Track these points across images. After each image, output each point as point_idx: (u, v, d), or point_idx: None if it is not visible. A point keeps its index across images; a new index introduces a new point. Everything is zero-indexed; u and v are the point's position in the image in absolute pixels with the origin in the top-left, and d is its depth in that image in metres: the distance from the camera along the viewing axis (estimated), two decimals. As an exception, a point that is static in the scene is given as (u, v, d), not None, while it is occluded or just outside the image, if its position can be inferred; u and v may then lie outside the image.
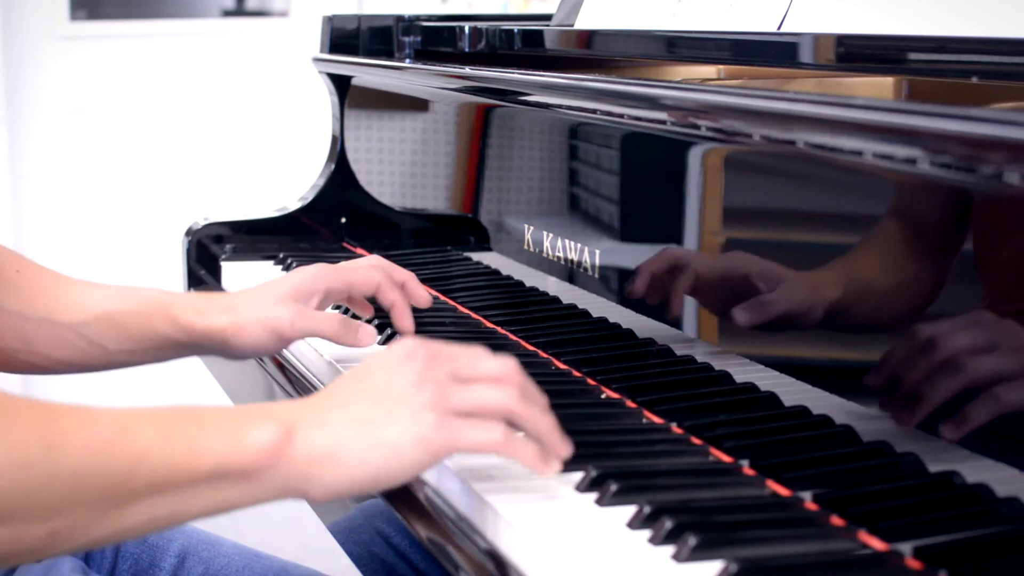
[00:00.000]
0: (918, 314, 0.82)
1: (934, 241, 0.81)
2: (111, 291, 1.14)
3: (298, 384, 1.21)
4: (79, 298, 1.12)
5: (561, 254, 1.24)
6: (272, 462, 0.76)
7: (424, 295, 1.18)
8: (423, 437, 0.79)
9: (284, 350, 1.29)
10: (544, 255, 1.28)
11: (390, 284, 1.16)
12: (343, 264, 1.17)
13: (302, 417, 0.79)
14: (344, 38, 1.78)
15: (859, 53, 0.99)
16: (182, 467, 0.75)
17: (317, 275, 1.14)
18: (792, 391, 0.93)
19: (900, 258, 0.85)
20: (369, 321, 1.23)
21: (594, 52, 1.32)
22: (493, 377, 0.83)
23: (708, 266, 1.03)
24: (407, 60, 1.70)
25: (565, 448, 0.84)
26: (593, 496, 0.84)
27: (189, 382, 2.66)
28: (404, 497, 0.90)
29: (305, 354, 1.25)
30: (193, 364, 1.63)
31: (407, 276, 1.18)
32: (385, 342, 1.21)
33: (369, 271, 1.16)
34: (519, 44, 1.46)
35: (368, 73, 1.71)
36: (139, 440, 0.74)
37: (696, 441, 0.95)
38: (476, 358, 0.84)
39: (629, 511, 0.81)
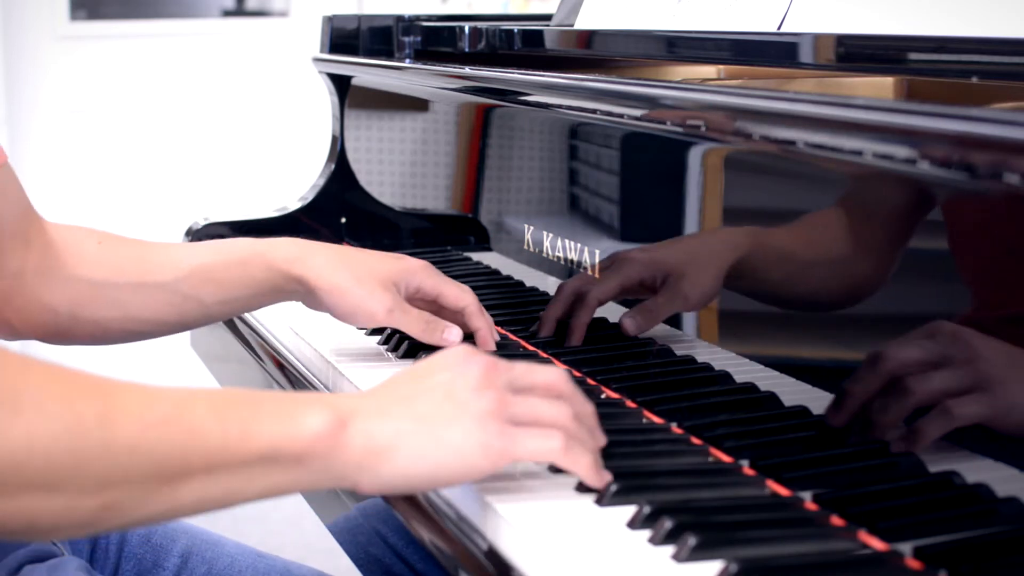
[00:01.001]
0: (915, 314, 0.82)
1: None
2: (200, 247, 1.16)
3: (298, 384, 1.21)
4: (167, 258, 1.14)
5: (561, 254, 1.24)
6: (326, 450, 0.76)
7: (491, 343, 1.17)
8: (485, 443, 0.79)
9: (283, 349, 1.29)
10: (544, 255, 1.28)
11: (479, 310, 1.17)
12: (442, 274, 1.18)
13: (361, 408, 0.79)
14: (344, 38, 1.78)
15: (859, 53, 0.99)
16: (235, 448, 0.75)
17: (417, 271, 1.15)
18: (792, 391, 0.93)
19: (898, 257, 0.85)
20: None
21: (594, 52, 1.32)
22: (547, 386, 0.84)
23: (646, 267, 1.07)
24: (407, 60, 1.70)
25: (604, 474, 0.84)
26: (593, 496, 0.84)
27: (188, 380, 2.66)
28: (404, 496, 0.90)
29: (304, 353, 1.25)
30: (194, 363, 1.63)
31: (486, 322, 1.17)
32: (404, 355, 1.20)
33: (464, 292, 1.17)
34: (519, 44, 1.46)
35: (368, 73, 1.70)
36: (195, 419, 0.74)
37: (696, 441, 0.95)
38: (530, 369, 0.85)
39: (629, 511, 0.81)
